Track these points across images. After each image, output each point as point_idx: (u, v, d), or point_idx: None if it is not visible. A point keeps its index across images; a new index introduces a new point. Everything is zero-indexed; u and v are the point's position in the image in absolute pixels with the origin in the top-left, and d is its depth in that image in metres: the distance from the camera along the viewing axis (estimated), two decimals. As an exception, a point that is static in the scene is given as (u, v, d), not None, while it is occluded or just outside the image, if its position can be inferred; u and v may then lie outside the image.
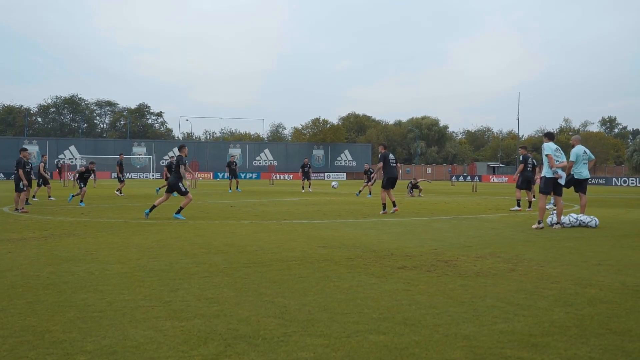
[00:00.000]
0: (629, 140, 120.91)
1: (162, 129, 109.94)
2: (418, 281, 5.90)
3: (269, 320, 4.42)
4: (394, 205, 14.74)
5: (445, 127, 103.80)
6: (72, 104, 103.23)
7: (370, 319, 4.44)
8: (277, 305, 4.90)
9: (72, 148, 67.28)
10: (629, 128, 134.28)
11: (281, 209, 16.41)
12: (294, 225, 11.57)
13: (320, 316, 4.53)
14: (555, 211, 11.39)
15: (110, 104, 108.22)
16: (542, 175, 11.24)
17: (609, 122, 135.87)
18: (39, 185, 21.78)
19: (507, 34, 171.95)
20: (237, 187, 28.65)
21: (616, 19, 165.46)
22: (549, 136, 11.82)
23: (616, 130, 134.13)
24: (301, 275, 6.28)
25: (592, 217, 11.31)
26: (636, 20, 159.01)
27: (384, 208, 14.58)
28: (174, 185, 13.44)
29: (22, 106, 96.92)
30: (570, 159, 12.50)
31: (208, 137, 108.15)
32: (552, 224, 11.22)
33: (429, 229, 10.89)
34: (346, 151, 78.95)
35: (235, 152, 73.84)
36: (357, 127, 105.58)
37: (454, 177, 71.57)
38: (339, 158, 78.48)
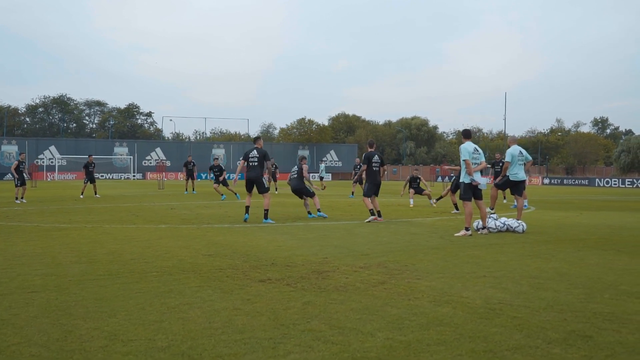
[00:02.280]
0: (620, 140, 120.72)
1: (151, 129, 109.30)
2: (262, 298, 5.27)
3: (27, 348, 3.79)
4: (379, 215, 13.00)
5: (435, 127, 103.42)
6: (61, 103, 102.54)
7: (152, 348, 3.81)
8: (63, 328, 4.27)
9: (52, 148, 66.42)
10: (621, 129, 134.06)
11: (222, 211, 15.76)
12: (208, 230, 10.94)
13: (94, 344, 3.90)
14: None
15: (99, 103, 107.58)
16: (461, 181, 10.57)
17: (601, 123, 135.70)
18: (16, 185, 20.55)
19: (503, 34, 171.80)
20: (193, 189, 27.91)
21: (611, 20, 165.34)
22: (466, 135, 10.96)
23: (608, 131, 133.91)
24: (142, 289, 5.64)
25: (520, 222, 10.70)
26: (629, 22, 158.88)
27: (373, 213, 12.79)
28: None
29: (10, 106, 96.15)
30: (506, 159, 11.87)
31: (198, 137, 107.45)
32: (478, 229, 10.61)
33: (346, 234, 10.26)
34: (332, 151, 78.31)
35: (219, 152, 73.01)
36: (346, 127, 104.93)
37: (445, 178, 70.83)
38: (324, 158, 77.82)
